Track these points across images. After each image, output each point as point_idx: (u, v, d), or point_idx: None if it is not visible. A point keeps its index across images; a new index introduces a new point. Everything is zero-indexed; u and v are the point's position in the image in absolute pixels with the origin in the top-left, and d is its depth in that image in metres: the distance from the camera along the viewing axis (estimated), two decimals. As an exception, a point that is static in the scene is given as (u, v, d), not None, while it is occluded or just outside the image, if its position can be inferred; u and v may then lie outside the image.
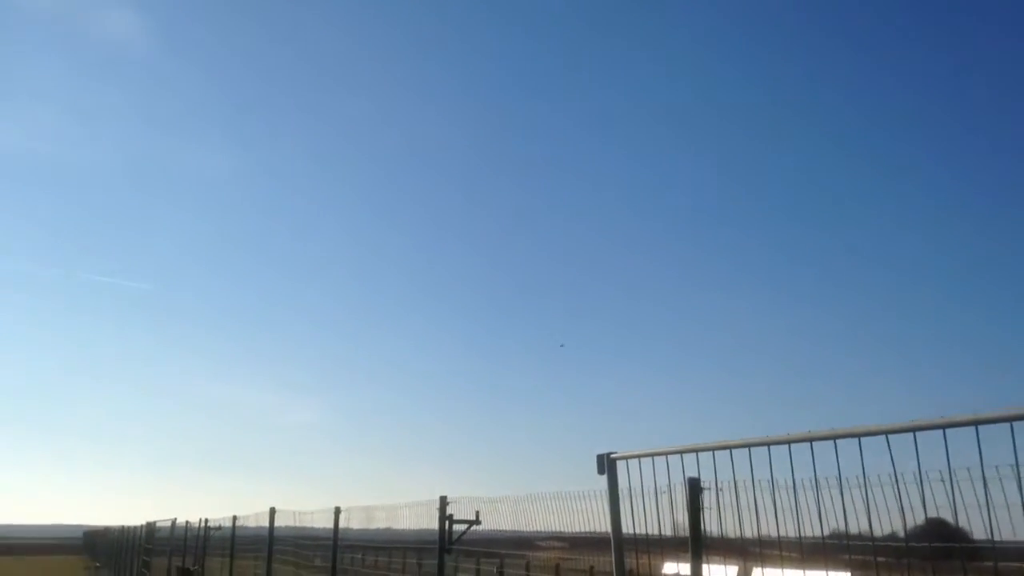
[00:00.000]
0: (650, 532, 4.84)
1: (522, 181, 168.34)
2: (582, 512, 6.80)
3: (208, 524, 17.80)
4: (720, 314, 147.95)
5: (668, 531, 4.78)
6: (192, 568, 17.27)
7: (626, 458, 4.84)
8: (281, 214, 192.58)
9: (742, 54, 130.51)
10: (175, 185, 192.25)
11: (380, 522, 10.80)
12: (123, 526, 40.06)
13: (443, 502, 8.47)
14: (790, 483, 3.75)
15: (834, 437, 3.48)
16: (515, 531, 8.96)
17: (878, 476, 3.55)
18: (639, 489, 4.78)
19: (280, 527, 13.99)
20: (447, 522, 8.45)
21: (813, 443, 3.56)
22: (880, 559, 3.74)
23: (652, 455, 4.56)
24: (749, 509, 4.21)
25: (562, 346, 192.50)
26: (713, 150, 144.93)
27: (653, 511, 4.74)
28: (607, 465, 4.98)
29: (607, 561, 5.10)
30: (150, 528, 26.09)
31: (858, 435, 3.39)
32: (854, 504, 3.65)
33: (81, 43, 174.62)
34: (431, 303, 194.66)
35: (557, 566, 21.91)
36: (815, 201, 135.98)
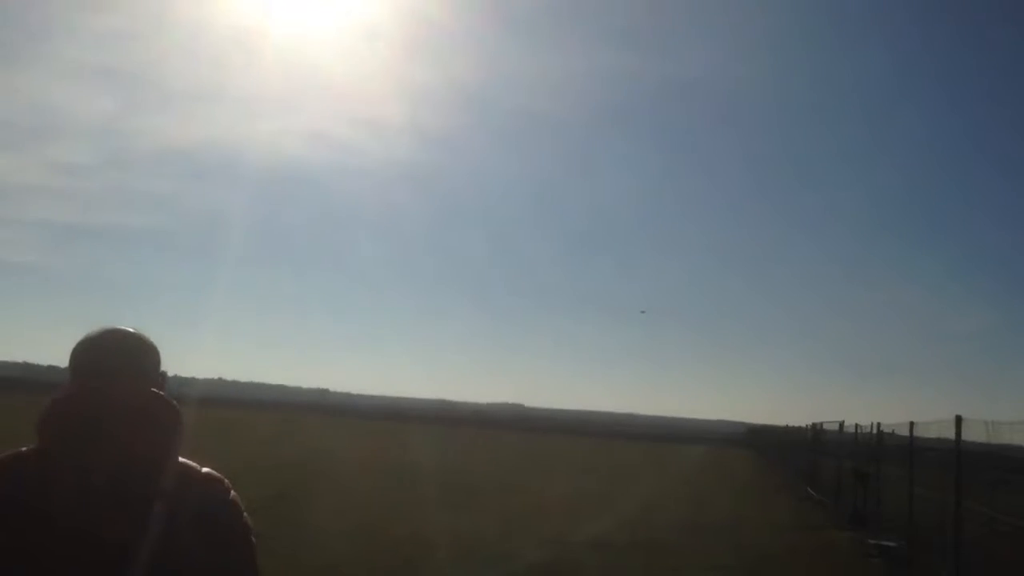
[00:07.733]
0: None
1: None
2: None
3: (881, 429, 17.72)
4: None
5: None
6: (867, 471, 17.47)
7: None
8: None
9: None
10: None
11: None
12: (787, 425, 42.64)
13: None
14: None
15: None
16: None
17: None
18: None
19: (967, 441, 13.16)
20: None
21: None
22: None
23: None
24: None
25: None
26: None
27: None
28: None
29: None
30: (816, 430, 27.24)
31: None
32: None
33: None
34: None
35: None
36: None
